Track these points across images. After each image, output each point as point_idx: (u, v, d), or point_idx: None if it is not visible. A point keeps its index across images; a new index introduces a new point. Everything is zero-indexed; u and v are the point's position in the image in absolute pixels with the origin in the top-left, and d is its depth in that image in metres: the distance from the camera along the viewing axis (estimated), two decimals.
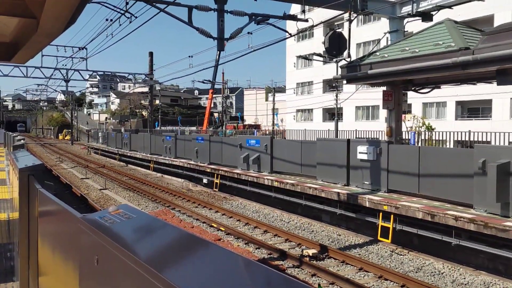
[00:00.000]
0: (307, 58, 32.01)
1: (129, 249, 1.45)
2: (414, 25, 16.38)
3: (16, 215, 4.20)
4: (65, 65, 33.51)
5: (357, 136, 24.38)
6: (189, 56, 28.51)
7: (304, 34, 47.47)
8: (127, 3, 14.01)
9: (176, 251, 1.48)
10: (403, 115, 15.58)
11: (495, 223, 9.39)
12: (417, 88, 14.60)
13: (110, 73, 37.39)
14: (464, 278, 9.39)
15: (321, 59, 20.86)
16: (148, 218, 1.87)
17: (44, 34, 5.54)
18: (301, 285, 1.03)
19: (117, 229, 1.68)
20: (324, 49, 15.14)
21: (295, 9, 30.88)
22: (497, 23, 28.16)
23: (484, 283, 9.09)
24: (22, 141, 11.03)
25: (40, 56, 30.61)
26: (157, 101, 71.60)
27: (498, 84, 11.17)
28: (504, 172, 9.84)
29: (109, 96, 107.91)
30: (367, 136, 23.71)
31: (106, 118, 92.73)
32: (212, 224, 14.29)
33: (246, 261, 1.24)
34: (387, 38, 16.03)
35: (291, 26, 17.11)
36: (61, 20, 4.89)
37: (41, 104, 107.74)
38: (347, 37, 14.48)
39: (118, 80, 42.19)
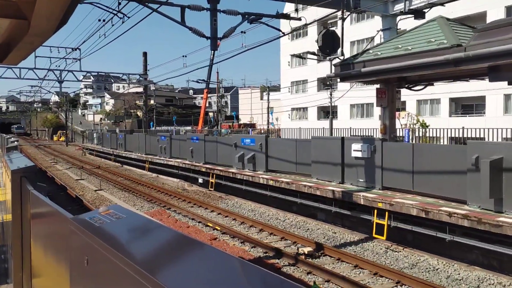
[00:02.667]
0: (301, 56, 31.98)
1: (118, 249, 1.46)
2: (406, 23, 16.42)
3: (10, 217, 4.19)
4: (59, 66, 33.41)
5: (352, 134, 24.46)
6: (183, 56, 28.50)
7: (298, 32, 47.49)
8: (119, 3, 13.97)
9: (166, 252, 1.49)
10: (397, 113, 15.62)
11: (488, 219, 9.45)
12: (410, 86, 14.65)
13: (104, 74, 37.29)
14: (459, 274, 9.45)
15: (315, 57, 20.88)
16: (139, 218, 1.87)
17: (35, 34, 5.51)
18: (295, 285, 1.04)
19: (107, 230, 1.68)
20: (318, 48, 15.15)
21: (288, 8, 30.88)
22: (489, 19, 28.28)
23: (478, 278, 9.15)
24: (15, 142, 10.99)
25: (34, 57, 30.55)
26: (152, 101, 71.43)
27: (490, 81, 11.22)
28: (497, 168, 9.90)
29: (104, 96, 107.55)
30: (362, 134, 23.77)
31: (101, 118, 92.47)
32: (208, 224, 14.29)
33: (239, 262, 1.24)
34: (380, 36, 16.06)
35: (285, 25, 17.12)
36: (52, 21, 4.87)
37: (35, 105, 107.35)
38: (340, 35, 14.49)
39: (112, 80, 42.05)
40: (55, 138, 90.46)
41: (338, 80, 16.41)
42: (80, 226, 1.80)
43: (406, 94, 17.45)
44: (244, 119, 75.32)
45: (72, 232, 1.91)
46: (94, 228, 1.69)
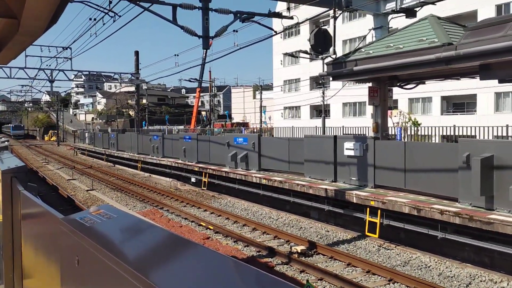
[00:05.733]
0: (293, 55, 32.09)
1: (109, 249, 1.45)
2: (398, 22, 16.48)
3: (0, 218, 4.16)
4: (50, 65, 33.01)
5: (344, 133, 24.50)
6: (175, 55, 28.40)
7: (291, 31, 47.53)
8: (110, 2, 13.89)
9: (158, 252, 1.48)
10: (389, 111, 15.68)
11: (479, 216, 9.52)
12: (402, 84, 14.71)
13: (95, 73, 37.04)
14: (451, 271, 9.51)
15: (308, 56, 20.92)
16: (130, 218, 1.86)
17: (25, 34, 5.47)
18: (287, 284, 1.03)
19: (97, 230, 1.67)
20: (310, 46, 15.17)
21: (280, 6, 30.89)
22: (480, 18, 28.48)
23: (470, 275, 9.22)
24: (6, 142, 10.90)
25: (24, 56, 30.24)
26: (144, 101, 71.21)
27: (480, 79, 11.29)
28: (488, 166, 9.98)
29: (95, 96, 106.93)
30: (354, 132, 23.83)
31: (93, 118, 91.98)
32: (201, 223, 14.27)
33: (231, 262, 1.24)
34: (372, 34, 16.10)
35: (277, 24, 17.12)
36: (42, 20, 4.83)
37: (25, 105, 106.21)
38: (332, 34, 14.52)
39: (104, 79, 41.77)
40: (46, 138, 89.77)
41: (331, 78, 16.43)
42: (70, 226, 1.78)
43: (398, 93, 17.53)
44: (237, 118, 75.29)
45: (62, 232, 1.90)
46: (85, 228, 1.68)
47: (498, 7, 31.83)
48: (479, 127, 17.44)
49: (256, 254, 11.04)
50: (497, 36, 9.61)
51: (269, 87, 67.48)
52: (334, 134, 17.16)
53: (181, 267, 1.29)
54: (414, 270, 9.72)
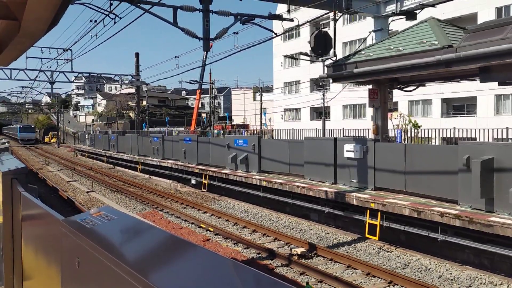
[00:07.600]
0: (293, 57, 32.08)
1: (110, 251, 1.45)
2: (398, 24, 16.50)
3: (0, 219, 4.16)
4: (50, 66, 33.06)
5: (344, 135, 24.52)
6: (176, 57, 28.35)
7: (291, 33, 47.58)
8: (111, 4, 13.91)
9: (158, 253, 1.48)
10: (389, 113, 15.69)
11: (480, 219, 9.52)
12: (402, 86, 14.72)
13: (96, 75, 37.07)
14: (451, 274, 9.51)
15: (308, 58, 20.92)
16: (130, 219, 1.87)
17: (26, 35, 5.48)
18: (287, 286, 1.04)
19: (98, 231, 1.67)
20: (310, 48, 15.17)
21: (281, 9, 30.92)
22: (480, 20, 28.51)
23: (470, 278, 9.21)
24: (6, 144, 10.90)
25: (24, 58, 30.31)
26: (144, 102, 71.25)
27: (481, 81, 11.30)
28: (487, 168, 9.98)
29: (96, 97, 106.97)
30: (354, 135, 23.85)
31: (93, 119, 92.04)
32: (201, 225, 14.27)
33: (231, 263, 1.24)
34: (372, 37, 16.12)
35: (278, 26, 17.15)
36: (43, 22, 4.84)
37: (26, 106, 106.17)
38: (332, 36, 14.54)
39: (104, 81, 41.82)
40: (46, 139, 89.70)
41: (331, 81, 16.45)
42: (71, 227, 1.79)
43: (398, 95, 17.53)
44: (237, 120, 75.34)
45: (63, 233, 1.90)
46: (86, 230, 1.68)
47: (498, 10, 31.86)
48: (479, 129, 17.44)
49: (256, 256, 11.04)
50: (497, 39, 9.62)
51: (269, 89, 67.48)
52: (334, 136, 17.19)
53: (181, 268, 1.30)
54: (414, 272, 9.72)
